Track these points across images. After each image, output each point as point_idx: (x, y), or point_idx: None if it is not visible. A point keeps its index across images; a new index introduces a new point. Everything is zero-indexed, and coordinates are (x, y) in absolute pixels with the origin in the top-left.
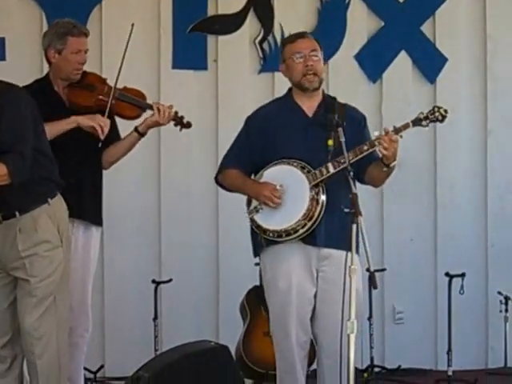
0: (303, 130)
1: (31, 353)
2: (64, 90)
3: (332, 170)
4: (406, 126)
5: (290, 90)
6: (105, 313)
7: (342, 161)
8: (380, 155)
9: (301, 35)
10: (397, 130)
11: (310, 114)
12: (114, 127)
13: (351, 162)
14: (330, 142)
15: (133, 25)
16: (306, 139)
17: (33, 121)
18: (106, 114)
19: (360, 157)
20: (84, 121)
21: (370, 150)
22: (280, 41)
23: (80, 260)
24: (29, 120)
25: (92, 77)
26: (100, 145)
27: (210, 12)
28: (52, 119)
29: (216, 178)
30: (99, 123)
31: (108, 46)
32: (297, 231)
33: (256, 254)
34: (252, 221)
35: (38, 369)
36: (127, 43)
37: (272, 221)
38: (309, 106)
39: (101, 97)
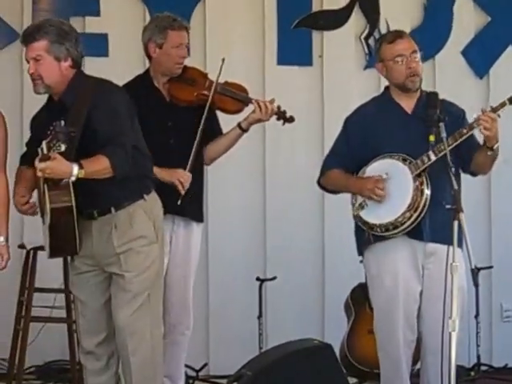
0: (404, 126)
1: (125, 349)
2: (164, 85)
3: (433, 158)
4: (502, 105)
5: (386, 88)
6: (209, 310)
7: (442, 147)
8: (481, 141)
9: (399, 35)
10: (494, 109)
11: (409, 111)
12: (215, 122)
13: (452, 146)
14: (432, 138)
15: (223, 60)
16: (407, 135)
17: (129, 117)
18: (207, 107)
19: (460, 141)
20: (164, 176)
21: (470, 133)
22: (377, 38)
23: (181, 257)
24: (125, 115)
25: (193, 71)
26: (179, 202)
27: (315, 7)
28: (153, 115)
29: (319, 182)
30: (178, 179)
31: (211, 42)
32: (403, 223)
33: (360, 252)
34: (358, 218)
35: (131, 366)
36: (218, 76)
37: (378, 215)
38: (407, 103)
39: (202, 91)
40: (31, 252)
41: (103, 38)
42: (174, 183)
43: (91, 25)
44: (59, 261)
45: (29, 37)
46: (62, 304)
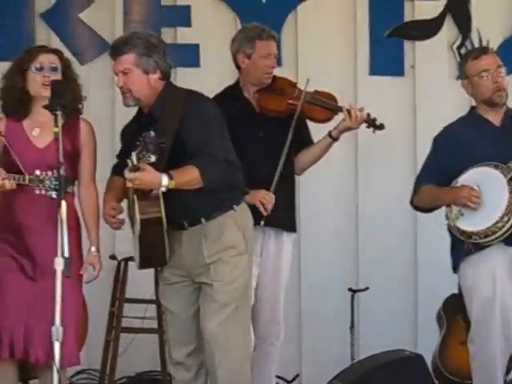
0: (493, 139)
1: (212, 360)
2: (254, 95)
3: None
4: None
5: (472, 108)
6: (301, 321)
7: None
8: None
9: (484, 51)
10: None
11: (497, 124)
12: (305, 131)
13: None
14: None
15: (308, 80)
16: (498, 148)
17: (219, 128)
18: (295, 117)
19: None
20: (248, 199)
21: None
22: (462, 55)
23: (271, 268)
24: (215, 126)
25: (282, 81)
26: (262, 223)
27: (407, 17)
28: (243, 125)
29: (412, 202)
30: (260, 200)
31: (303, 52)
32: (502, 228)
33: (455, 266)
34: (455, 228)
35: (218, 377)
36: (306, 85)
37: (475, 223)
38: (495, 117)
39: (291, 101)
40: (122, 262)
41: (195, 48)
42: (255, 204)
43: (183, 35)
44: (150, 271)
45: (117, 50)
46: (154, 315)
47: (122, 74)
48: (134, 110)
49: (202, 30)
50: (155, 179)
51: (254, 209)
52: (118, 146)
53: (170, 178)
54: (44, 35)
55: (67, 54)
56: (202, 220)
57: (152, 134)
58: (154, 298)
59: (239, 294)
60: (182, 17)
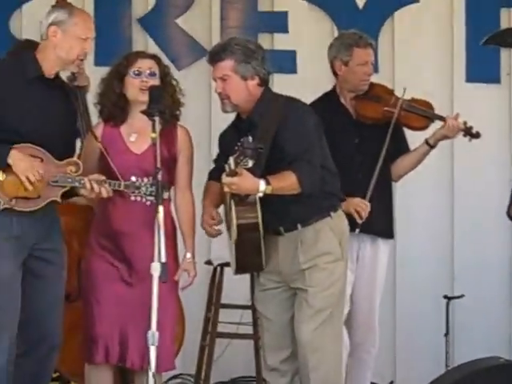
0: None
1: (305, 365)
2: (351, 101)
3: None
4: None
5: None
6: (396, 327)
7: None
8: None
9: None
10: None
11: None
12: (402, 139)
13: None
14: None
15: (405, 89)
16: None
17: (317, 135)
18: (392, 124)
19: None
20: (344, 207)
21: None
22: None
23: (367, 275)
24: (313, 134)
25: (379, 88)
26: (357, 231)
27: (503, 25)
28: (339, 132)
29: (508, 212)
30: (355, 208)
31: (399, 59)
32: None
33: None
34: None
35: (310, 381)
36: (403, 93)
37: None
38: None
39: (388, 108)
40: (218, 268)
41: (292, 54)
42: (352, 210)
43: (280, 41)
44: (246, 277)
45: (215, 56)
46: (249, 320)
47: (221, 80)
48: (230, 116)
49: (298, 36)
50: (252, 184)
51: (349, 216)
52: (215, 152)
53: (267, 183)
54: (141, 41)
55: (164, 59)
56: (299, 226)
57: (250, 139)
58: (249, 303)
59: (334, 300)
60: (279, 23)
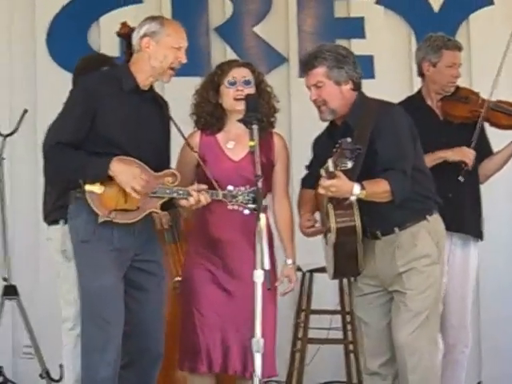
0: None
1: (404, 368)
2: (437, 103)
3: None
4: None
5: None
6: (480, 329)
7: None
8: None
9: None
10: None
11: None
12: (486, 140)
13: None
14: None
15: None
16: None
17: (412, 139)
18: (480, 121)
19: None
20: (453, 155)
21: None
22: None
23: (458, 275)
24: (408, 138)
25: (465, 90)
26: (461, 179)
27: None
28: (427, 133)
29: None
30: (468, 155)
31: (476, 62)
32: None
33: None
34: None
35: (409, 383)
36: (491, 94)
37: None
38: None
39: (475, 108)
40: (307, 274)
41: (369, 59)
42: (463, 160)
43: (357, 47)
44: (335, 282)
45: (308, 65)
46: (339, 325)
47: (315, 87)
48: (306, 123)
49: (375, 42)
50: (348, 187)
51: (442, 215)
52: (295, 159)
53: (362, 187)
54: (219, 50)
55: None
56: (396, 229)
57: (349, 139)
58: (338, 308)
59: (431, 303)
60: (356, 28)
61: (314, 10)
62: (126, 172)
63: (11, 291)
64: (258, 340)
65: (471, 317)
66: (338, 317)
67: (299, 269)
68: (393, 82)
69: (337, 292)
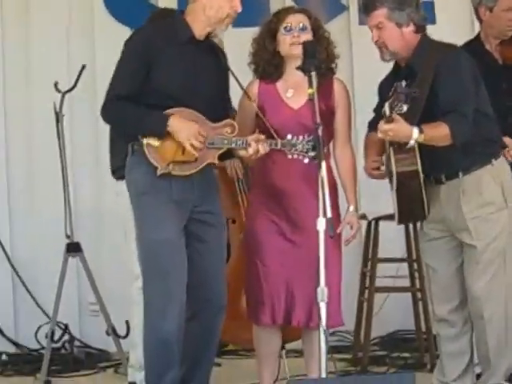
0: None
1: (479, 317)
2: (496, 47)
3: None
4: None
5: None
6: None
7: None
8: None
9: None
10: None
11: None
12: None
13: None
14: None
15: None
16: None
17: (474, 82)
18: None
19: None
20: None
21: None
22: None
23: None
24: (470, 81)
25: None
26: None
27: None
28: (486, 78)
29: None
30: None
31: None
32: None
33: None
34: None
35: (487, 333)
36: None
37: None
38: None
39: None
40: (373, 222)
41: (430, 5)
42: None
43: None
44: (401, 230)
45: (369, 5)
46: (406, 273)
47: (376, 28)
48: (369, 70)
49: None
50: (406, 131)
51: None
52: (358, 105)
53: (421, 131)
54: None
55: None
56: (460, 174)
57: (403, 83)
58: (405, 256)
59: (502, 250)
60: None
61: None
62: (185, 129)
63: (75, 248)
64: (322, 289)
65: None
66: (405, 265)
67: (364, 217)
68: (454, 27)
69: (403, 240)
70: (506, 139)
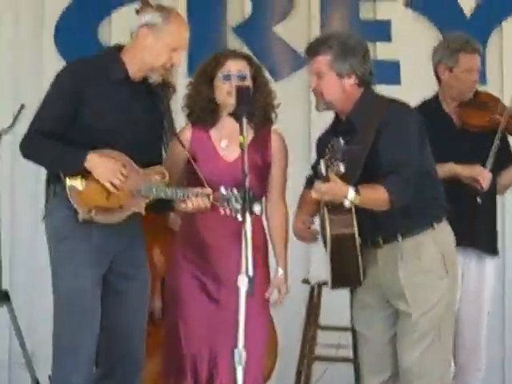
0: None
1: None
2: (455, 109)
3: None
4: None
5: None
6: (505, 351)
7: None
8: None
9: None
10: None
11: None
12: (507, 149)
13: None
14: None
15: None
16: None
17: (420, 141)
18: (499, 132)
19: None
20: (464, 171)
21: None
22: None
23: (473, 293)
24: (416, 140)
25: (484, 95)
26: (479, 200)
27: None
28: (442, 141)
29: None
30: (483, 176)
31: (509, 69)
32: None
33: None
34: None
35: None
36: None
37: None
38: None
39: (494, 115)
40: (316, 287)
41: (395, 65)
42: (475, 179)
43: (383, 51)
44: (345, 297)
45: (312, 50)
46: (348, 343)
47: (316, 75)
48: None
49: (402, 46)
50: (340, 191)
51: (454, 226)
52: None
53: (357, 192)
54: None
55: None
56: (399, 237)
57: (341, 140)
58: (349, 325)
59: (438, 321)
60: (382, 31)
61: (339, 11)
62: (104, 165)
63: (2, 297)
64: (240, 351)
65: (494, 339)
66: (349, 334)
67: (307, 281)
68: (420, 89)
69: (347, 307)
70: (477, 168)
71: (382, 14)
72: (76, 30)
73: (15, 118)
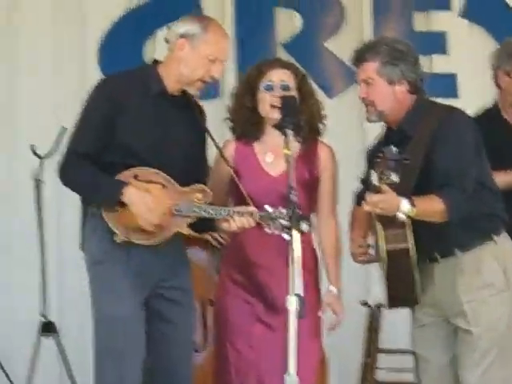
0: None
1: None
2: None
3: None
4: None
5: None
6: None
7: None
8: None
9: None
10: None
11: None
12: None
13: None
14: None
15: None
16: None
17: (477, 151)
18: None
19: None
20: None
21: None
22: None
23: None
24: (472, 150)
25: None
26: None
27: None
28: (502, 148)
29: None
30: None
31: None
32: None
33: None
34: None
35: None
36: None
37: None
38: None
39: None
40: (375, 309)
41: (452, 78)
42: None
43: (439, 64)
44: (407, 319)
45: (359, 57)
46: (411, 366)
47: (365, 83)
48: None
49: (459, 58)
50: (394, 204)
51: None
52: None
53: (412, 204)
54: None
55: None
56: (457, 251)
57: (393, 149)
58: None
59: (501, 338)
60: (438, 44)
61: (392, 23)
62: (140, 203)
63: (49, 328)
64: (291, 377)
65: None
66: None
67: (366, 303)
68: (478, 101)
69: (409, 329)
70: None
71: (436, 25)
72: (120, 49)
73: (57, 142)
